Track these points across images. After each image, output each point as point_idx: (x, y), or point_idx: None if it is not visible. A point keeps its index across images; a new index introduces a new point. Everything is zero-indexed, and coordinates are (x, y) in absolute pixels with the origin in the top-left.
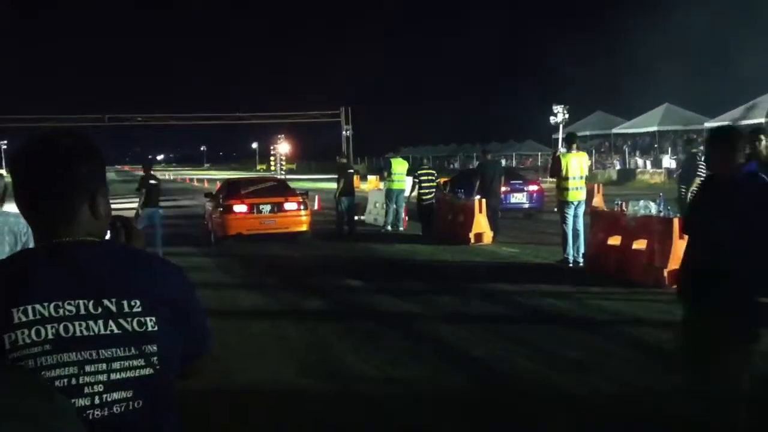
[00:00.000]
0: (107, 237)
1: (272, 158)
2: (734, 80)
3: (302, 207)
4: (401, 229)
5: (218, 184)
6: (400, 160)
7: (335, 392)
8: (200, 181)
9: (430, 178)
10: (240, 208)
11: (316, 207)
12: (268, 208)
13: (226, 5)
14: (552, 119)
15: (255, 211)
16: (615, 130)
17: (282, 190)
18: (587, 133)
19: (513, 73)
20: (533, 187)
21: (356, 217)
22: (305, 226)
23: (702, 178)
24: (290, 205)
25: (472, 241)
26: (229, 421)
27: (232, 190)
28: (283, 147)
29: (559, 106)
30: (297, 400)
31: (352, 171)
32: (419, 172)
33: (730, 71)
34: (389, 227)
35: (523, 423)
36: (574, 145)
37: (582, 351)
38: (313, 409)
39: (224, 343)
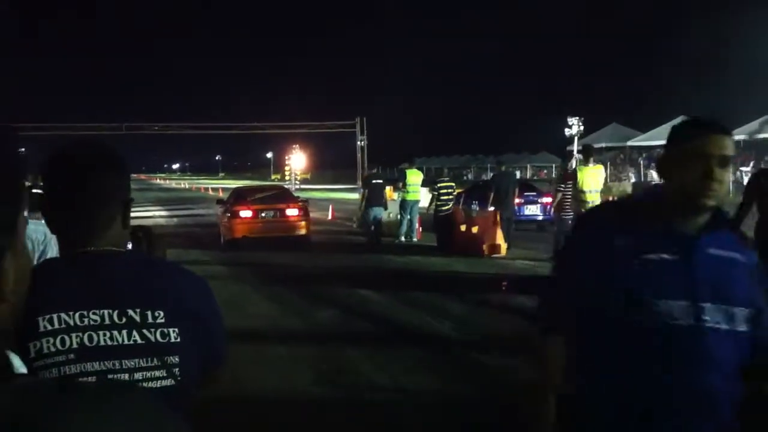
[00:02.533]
0: (129, 246)
1: (287, 168)
2: (751, 93)
3: (302, 213)
4: (415, 240)
5: None
6: (414, 170)
7: (348, 401)
8: (215, 190)
9: (449, 190)
10: (246, 213)
11: (329, 217)
12: (271, 213)
13: (246, 15)
14: (567, 131)
15: (259, 216)
16: (630, 143)
17: (284, 197)
18: (602, 145)
19: (529, 84)
20: (547, 199)
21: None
22: (304, 230)
23: None
24: (291, 212)
25: (486, 252)
26: (239, 428)
27: (239, 196)
28: (297, 157)
29: (574, 118)
30: (310, 408)
31: (381, 181)
32: (439, 185)
33: (747, 84)
34: (403, 238)
35: None
36: (591, 158)
37: None
38: (326, 418)
39: (237, 351)
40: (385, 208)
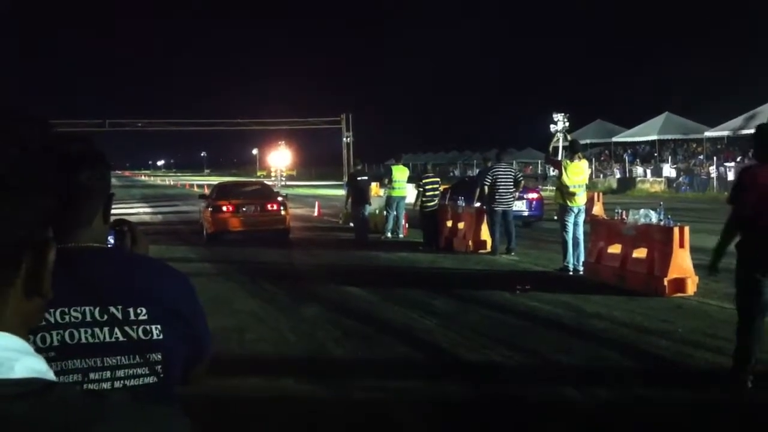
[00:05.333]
0: (110, 241)
1: (272, 165)
2: (735, 89)
3: (281, 208)
4: (401, 236)
5: None
6: (400, 167)
7: (334, 398)
8: (200, 186)
9: (434, 186)
10: (227, 207)
11: (316, 213)
12: (251, 208)
13: (228, 10)
14: (552, 127)
15: (240, 210)
16: (615, 139)
17: (265, 193)
18: (587, 141)
19: (514, 81)
20: (533, 195)
21: (353, 224)
22: (283, 224)
23: None
24: (271, 206)
25: (472, 248)
26: (227, 427)
27: (221, 192)
28: (283, 153)
29: (559, 114)
30: (295, 406)
31: (366, 178)
32: (424, 181)
33: (730, 80)
34: (389, 234)
35: (520, 429)
36: (577, 154)
37: (580, 358)
38: (312, 416)
39: (223, 348)
40: (369, 204)
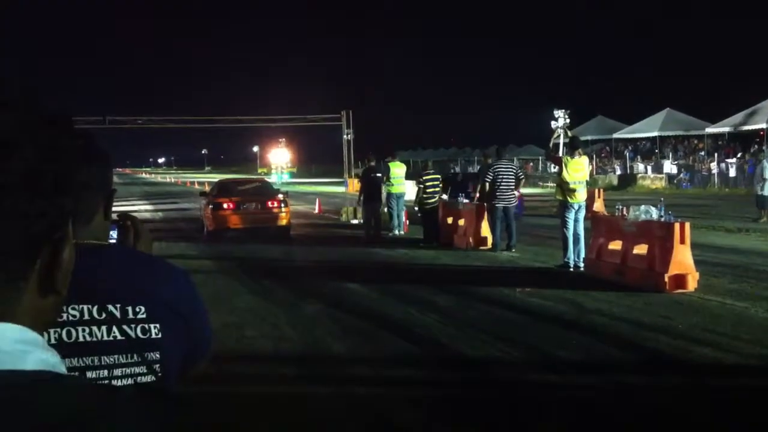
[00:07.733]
0: (113, 236)
1: (273, 163)
2: (735, 86)
3: (282, 205)
4: (401, 233)
5: None
6: (398, 163)
7: (333, 394)
8: (201, 184)
9: (434, 183)
10: (228, 205)
11: (316, 210)
12: (252, 205)
13: (228, 9)
14: (553, 123)
15: (240, 207)
16: (616, 135)
17: (265, 189)
18: (588, 137)
19: (515, 77)
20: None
21: (354, 221)
22: (284, 221)
23: None
24: (271, 203)
25: (473, 245)
26: (226, 424)
27: (222, 189)
28: (283, 151)
29: (560, 111)
30: (295, 401)
31: (380, 175)
32: (424, 177)
33: (731, 77)
34: (397, 231)
35: (520, 424)
36: (578, 150)
37: (580, 354)
38: (311, 411)
39: (222, 344)
40: (381, 202)
